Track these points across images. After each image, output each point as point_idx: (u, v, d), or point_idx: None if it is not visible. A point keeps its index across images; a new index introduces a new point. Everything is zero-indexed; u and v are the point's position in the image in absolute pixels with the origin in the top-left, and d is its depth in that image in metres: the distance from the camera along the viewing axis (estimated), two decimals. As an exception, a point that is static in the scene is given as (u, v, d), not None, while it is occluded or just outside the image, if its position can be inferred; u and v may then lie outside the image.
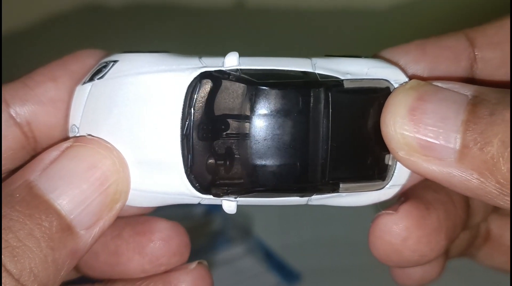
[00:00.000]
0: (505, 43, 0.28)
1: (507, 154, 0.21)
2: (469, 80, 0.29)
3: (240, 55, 0.25)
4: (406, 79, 0.26)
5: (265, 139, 0.25)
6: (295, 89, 0.25)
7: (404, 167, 0.25)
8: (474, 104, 0.22)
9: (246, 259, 0.62)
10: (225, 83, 0.25)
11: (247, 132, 0.25)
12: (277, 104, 0.24)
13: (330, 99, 0.25)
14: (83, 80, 0.26)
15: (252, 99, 0.24)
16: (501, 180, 0.21)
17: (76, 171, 0.24)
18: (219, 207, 0.26)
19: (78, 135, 0.26)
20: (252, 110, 0.24)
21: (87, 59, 0.28)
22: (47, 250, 0.22)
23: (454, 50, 0.29)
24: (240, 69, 0.24)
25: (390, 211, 0.27)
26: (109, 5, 0.60)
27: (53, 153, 0.24)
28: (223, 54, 0.25)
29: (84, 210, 0.23)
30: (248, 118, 0.24)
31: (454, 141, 0.22)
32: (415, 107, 0.23)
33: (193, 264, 0.29)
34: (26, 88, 0.27)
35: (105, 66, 0.26)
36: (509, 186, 0.21)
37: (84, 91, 0.26)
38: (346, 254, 0.59)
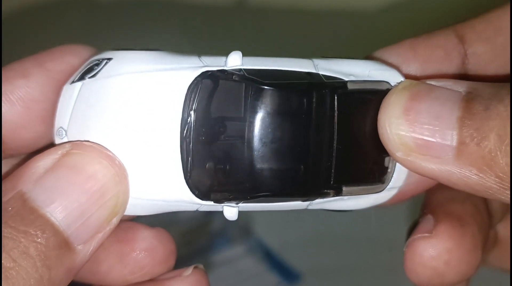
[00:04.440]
0: (494, 36, 0.28)
1: (505, 147, 0.20)
2: (462, 76, 0.29)
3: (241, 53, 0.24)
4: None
5: (269, 142, 0.23)
6: (301, 90, 0.24)
7: (401, 170, 0.26)
8: (468, 100, 0.22)
9: (246, 259, 0.62)
10: (227, 83, 0.23)
11: (251, 134, 0.23)
12: (282, 105, 0.23)
13: (336, 100, 0.24)
14: (72, 79, 0.24)
15: (257, 100, 0.23)
16: (500, 174, 0.21)
17: (75, 183, 0.22)
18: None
19: (66, 138, 0.24)
20: (256, 111, 0.23)
21: (66, 56, 0.26)
22: (43, 269, 0.20)
23: (444, 48, 0.28)
24: (244, 69, 0.23)
25: (426, 234, 0.26)
26: None
27: (46, 160, 0.22)
28: (214, 53, 0.24)
29: (83, 225, 0.22)
30: (251, 120, 0.23)
31: (450, 138, 0.22)
32: (409, 107, 0.22)
33: (189, 270, 0.28)
34: None
35: (97, 64, 0.24)
36: (508, 180, 0.21)
37: (72, 90, 0.24)
38: (346, 254, 0.59)
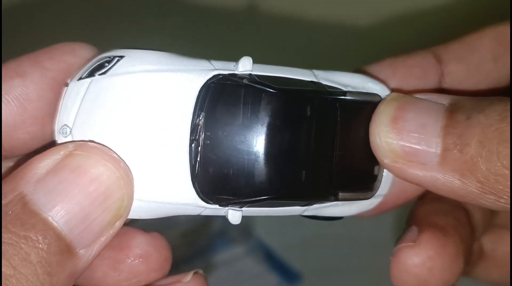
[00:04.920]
0: (469, 57, 0.30)
1: (485, 153, 0.21)
2: (440, 92, 0.30)
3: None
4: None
5: (276, 147, 0.24)
6: (311, 97, 0.24)
7: (386, 178, 0.27)
8: (451, 111, 0.23)
9: (246, 260, 0.62)
10: (238, 88, 0.23)
11: (259, 139, 0.23)
12: (291, 111, 0.24)
13: (338, 108, 0.25)
14: (79, 76, 0.24)
15: (267, 104, 0.23)
16: (481, 179, 0.22)
17: (77, 185, 0.21)
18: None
19: (70, 137, 0.23)
20: (266, 116, 0.23)
21: (64, 54, 0.25)
22: (44, 276, 0.20)
23: (422, 68, 0.30)
24: (254, 75, 0.24)
25: (410, 243, 0.27)
26: None
27: (47, 161, 0.21)
28: (218, 58, 0.24)
29: (86, 229, 0.21)
30: (260, 125, 0.23)
31: (435, 146, 0.23)
32: (397, 116, 0.24)
33: (189, 276, 0.27)
34: None
35: (108, 61, 0.23)
36: (489, 184, 0.22)
37: (80, 87, 0.23)
38: (346, 254, 0.59)
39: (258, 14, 0.59)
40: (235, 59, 0.24)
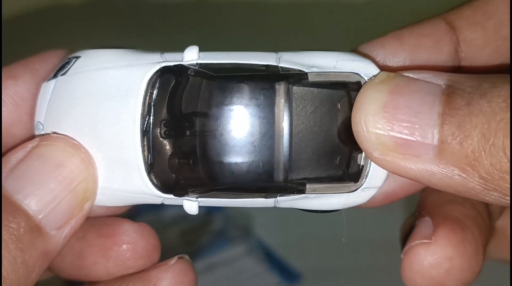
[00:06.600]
0: (484, 21, 0.27)
1: (489, 147, 0.19)
2: (455, 68, 0.28)
3: (211, 50, 0.24)
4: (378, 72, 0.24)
5: (225, 136, 0.24)
6: (254, 82, 0.24)
7: (380, 169, 0.23)
8: (448, 94, 0.21)
9: (246, 259, 0.62)
10: (183, 78, 0.24)
11: (208, 129, 0.24)
12: (238, 98, 0.24)
13: (291, 93, 0.24)
14: (49, 77, 0.26)
15: (211, 93, 0.24)
16: (485, 175, 0.20)
17: (43, 171, 0.23)
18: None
19: (43, 132, 0.25)
20: (213, 105, 0.24)
21: (51, 58, 0.28)
22: (16, 251, 0.22)
23: (433, 37, 0.27)
24: (200, 63, 0.24)
25: (425, 240, 0.24)
26: (71, 2, 0.59)
27: (19, 153, 0.24)
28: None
29: (53, 210, 0.23)
30: (207, 114, 0.24)
31: (431, 137, 0.20)
32: (386, 103, 0.21)
33: (173, 260, 0.28)
34: None
35: (68, 62, 0.25)
36: (493, 181, 0.20)
37: (48, 88, 0.25)
38: (346, 254, 0.59)
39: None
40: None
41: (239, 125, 0.24)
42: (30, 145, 0.24)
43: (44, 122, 0.25)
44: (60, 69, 0.25)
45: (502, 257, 0.32)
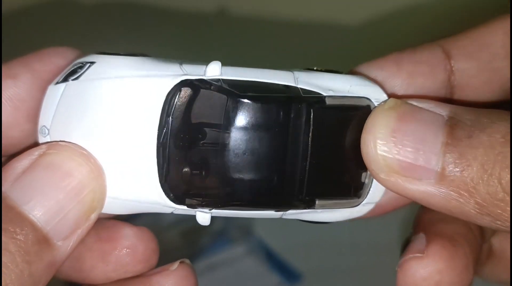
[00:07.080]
0: (478, 53, 0.29)
1: (487, 177, 0.21)
2: (447, 98, 0.29)
3: (213, 59, 0.24)
4: (386, 98, 0.26)
5: (243, 152, 0.24)
6: (277, 103, 0.24)
7: (378, 186, 0.26)
8: (451, 126, 0.23)
9: (247, 259, 0.62)
10: (206, 93, 0.24)
11: (225, 143, 0.24)
12: (258, 117, 0.24)
13: (311, 115, 0.24)
14: (56, 80, 0.25)
15: (233, 110, 0.24)
16: (480, 201, 0.22)
17: (51, 181, 0.23)
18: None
19: (48, 137, 0.25)
20: (232, 121, 0.24)
21: (52, 57, 0.27)
22: (23, 264, 0.21)
23: (429, 64, 0.29)
24: (222, 79, 0.24)
25: (418, 254, 0.26)
26: (83, 1, 0.59)
27: (24, 161, 0.23)
28: (203, 61, 0.24)
29: (61, 221, 0.22)
30: (227, 130, 0.24)
31: (434, 163, 0.22)
32: (395, 129, 0.23)
33: (175, 265, 0.28)
34: None
35: (80, 67, 0.24)
36: (488, 207, 0.22)
37: (56, 91, 0.25)
38: (347, 254, 0.59)
39: (254, 13, 0.59)
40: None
41: (260, 144, 0.24)
42: (36, 152, 0.23)
43: (51, 127, 0.24)
44: (71, 73, 0.25)
45: (501, 279, 0.33)
